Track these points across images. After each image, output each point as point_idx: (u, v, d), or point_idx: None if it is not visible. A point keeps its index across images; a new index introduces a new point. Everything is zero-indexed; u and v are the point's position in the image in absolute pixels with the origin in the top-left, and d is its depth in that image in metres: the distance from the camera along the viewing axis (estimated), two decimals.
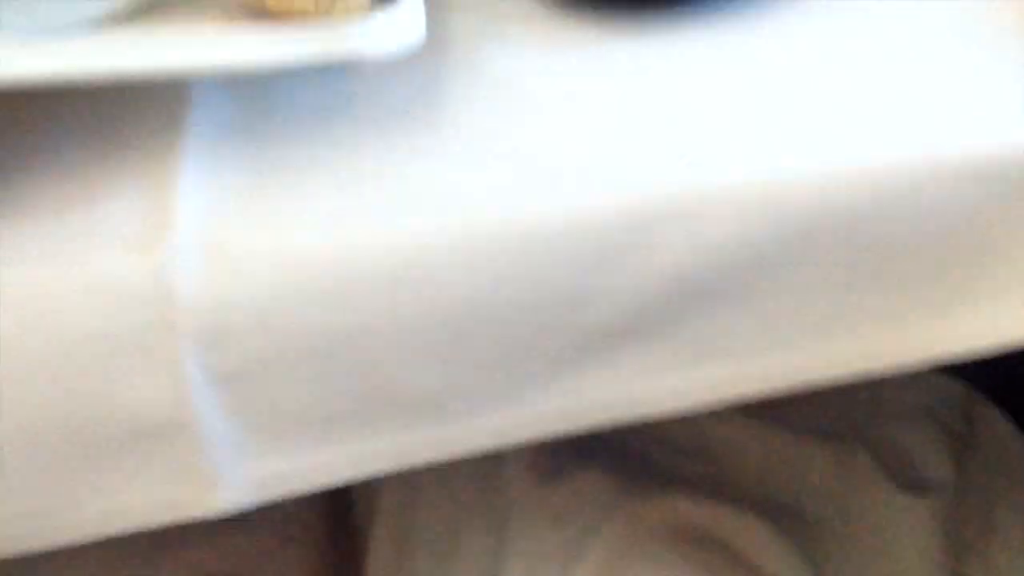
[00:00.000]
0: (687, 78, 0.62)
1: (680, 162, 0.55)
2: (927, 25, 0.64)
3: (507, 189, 0.54)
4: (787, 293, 0.55)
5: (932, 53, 0.62)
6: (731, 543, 0.90)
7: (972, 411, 0.94)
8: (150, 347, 0.51)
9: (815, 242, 0.55)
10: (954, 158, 0.55)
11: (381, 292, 0.52)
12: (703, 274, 0.54)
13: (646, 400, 0.57)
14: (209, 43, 0.56)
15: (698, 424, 0.96)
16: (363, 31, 0.57)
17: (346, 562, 0.94)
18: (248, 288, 0.52)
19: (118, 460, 0.53)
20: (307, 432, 0.54)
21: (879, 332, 0.57)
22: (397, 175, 0.56)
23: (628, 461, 0.92)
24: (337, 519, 0.97)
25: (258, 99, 0.63)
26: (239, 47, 0.56)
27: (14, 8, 0.57)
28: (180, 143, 0.59)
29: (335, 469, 0.56)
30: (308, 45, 0.56)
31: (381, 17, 0.57)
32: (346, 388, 0.54)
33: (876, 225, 0.55)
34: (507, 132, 0.59)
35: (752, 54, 0.64)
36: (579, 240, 0.53)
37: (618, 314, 0.54)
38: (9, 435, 0.52)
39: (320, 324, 0.52)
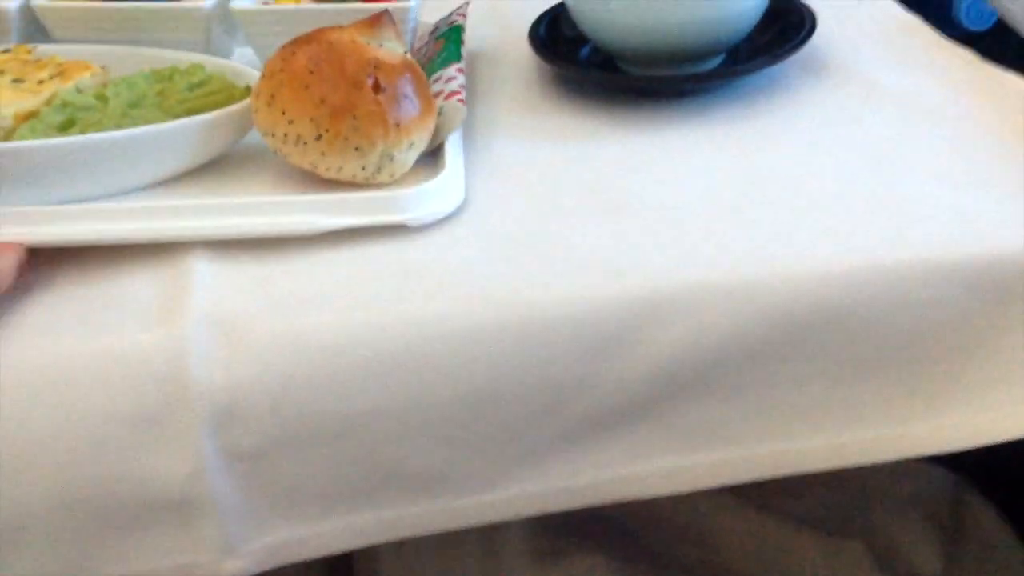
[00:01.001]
0: (685, 171, 0.65)
1: (676, 257, 0.57)
2: (922, 128, 0.67)
3: (508, 278, 0.57)
4: (778, 385, 0.57)
5: (925, 156, 0.64)
6: None
7: (961, 501, 0.95)
8: (166, 425, 0.54)
9: (806, 337, 0.56)
10: (943, 260, 0.56)
11: (388, 377, 0.55)
12: (696, 365, 0.56)
13: (638, 483, 0.59)
14: (262, 208, 0.60)
15: (694, 510, 0.97)
16: (409, 202, 0.61)
17: None
18: (261, 372, 0.54)
19: (135, 531, 0.55)
20: (315, 505, 0.56)
21: (870, 425, 0.59)
22: (406, 262, 0.59)
23: (624, 544, 0.93)
24: None
25: None
26: (293, 214, 0.60)
27: (84, 175, 0.61)
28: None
29: (340, 539, 0.58)
30: (357, 215, 0.60)
31: (427, 187, 0.62)
32: (354, 466, 0.56)
33: (866, 322, 0.56)
34: (511, 222, 0.62)
35: (747, 148, 0.67)
36: (577, 329, 0.55)
37: (613, 400, 0.57)
38: (31, 504, 0.54)
39: (331, 408, 0.54)
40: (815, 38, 0.74)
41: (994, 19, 1.10)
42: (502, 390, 0.56)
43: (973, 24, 1.16)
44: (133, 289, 0.58)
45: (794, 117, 0.70)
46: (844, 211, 0.60)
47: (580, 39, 0.75)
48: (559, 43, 0.76)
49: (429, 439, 0.55)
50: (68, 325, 0.56)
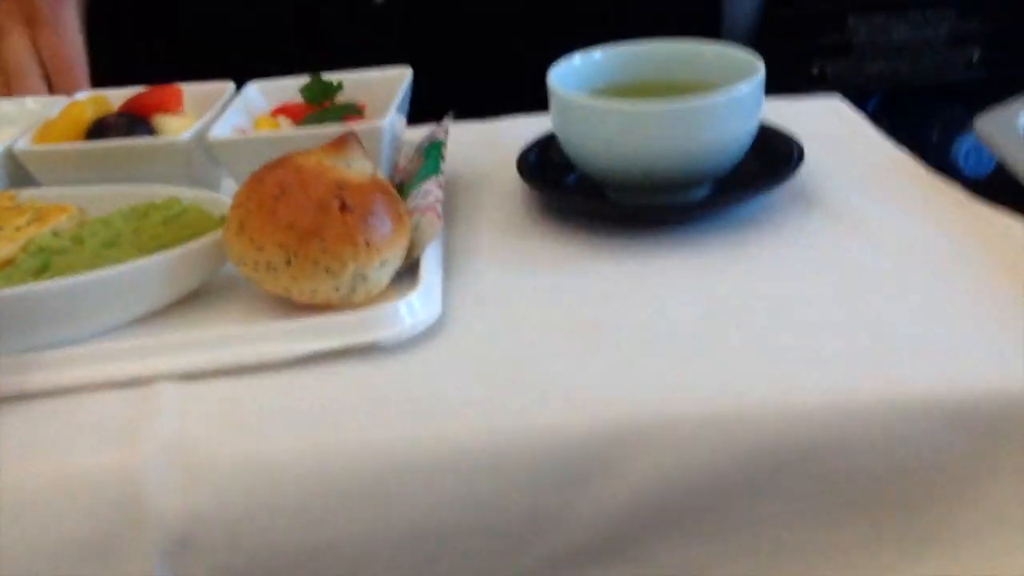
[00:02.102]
0: (667, 300, 0.63)
1: (652, 387, 0.56)
2: (909, 263, 0.65)
3: (481, 405, 0.56)
4: (755, 524, 0.55)
5: (911, 292, 0.62)
6: None
7: None
8: (119, 554, 0.52)
9: (787, 474, 0.54)
10: (928, 397, 0.54)
11: (353, 506, 0.53)
12: (672, 501, 0.54)
13: None
14: (234, 340, 0.60)
15: None
16: (381, 320, 0.60)
17: None
18: (220, 499, 0.53)
19: None
20: None
21: (857, 571, 0.55)
22: (374, 386, 0.58)
23: None
24: None
25: None
26: (263, 343, 0.60)
27: (58, 319, 0.61)
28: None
29: None
30: (329, 339, 0.60)
31: (401, 305, 0.61)
32: None
33: (849, 460, 0.54)
34: (488, 347, 0.60)
35: (731, 278, 0.65)
36: (550, 460, 0.53)
37: (586, 536, 0.54)
38: None
39: (291, 539, 0.52)
40: (803, 170, 0.73)
41: (992, 165, 1.08)
42: (471, 523, 0.54)
43: (972, 170, 1.14)
44: (96, 408, 0.58)
45: (780, 248, 0.68)
46: (828, 344, 0.58)
47: (569, 166, 0.74)
48: (547, 170, 0.75)
49: (394, 573, 0.53)
50: (23, 444, 0.55)
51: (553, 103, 0.72)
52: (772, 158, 0.73)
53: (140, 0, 1.13)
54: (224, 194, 0.71)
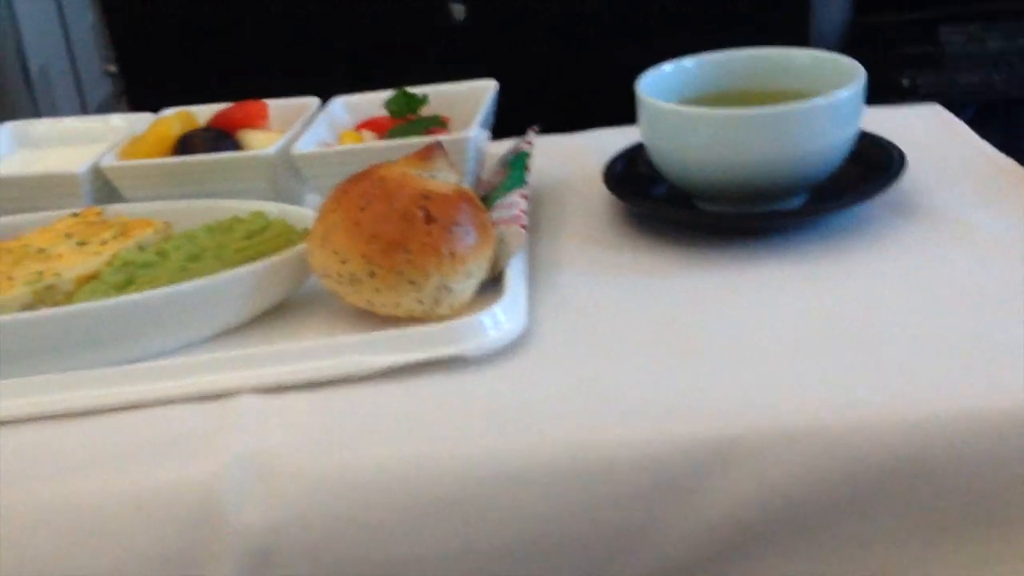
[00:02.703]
0: (760, 311, 0.61)
1: (746, 400, 0.53)
2: (1014, 271, 0.62)
3: (568, 418, 0.54)
4: (855, 541, 0.52)
5: (1016, 301, 0.59)
6: None
7: None
8: (198, 568, 0.51)
9: (887, 490, 0.51)
10: None
11: (436, 521, 0.51)
12: (766, 517, 0.51)
13: None
14: (316, 353, 0.59)
15: None
16: (466, 333, 0.59)
17: None
18: (300, 512, 0.52)
19: None
20: None
21: None
22: (458, 399, 0.56)
23: None
24: None
25: None
26: (346, 356, 0.58)
27: (142, 333, 0.61)
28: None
29: None
30: (412, 351, 0.58)
31: (486, 318, 0.59)
32: None
33: (953, 476, 0.51)
34: (574, 358, 0.59)
35: (827, 288, 0.62)
36: (638, 475, 0.51)
37: (676, 553, 0.52)
38: None
39: (373, 554, 0.51)
40: (904, 178, 0.70)
41: None
42: (558, 538, 0.52)
43: None
44: (178, 421, 0.57)
45: (878, 257, 0.65)
46: (930, 356, 0.55)
47: (655, 177, 0.72)
48: (633, 181, 0.73)
49: None
50: (105, 457, 0.55)
51: (642, 113, 0.70)
52: (871, 166, 0.70)
53: (229, 18, 1.15)
54: (307, 208, 0.70)
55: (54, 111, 2.63)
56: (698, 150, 0.68)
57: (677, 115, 0.68)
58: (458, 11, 1.25)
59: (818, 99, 0.65)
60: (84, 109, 2.85)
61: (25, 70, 2.46)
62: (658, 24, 1.13)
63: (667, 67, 0.73)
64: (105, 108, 2.93)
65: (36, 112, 2.52)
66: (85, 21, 2.89)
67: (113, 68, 1.28)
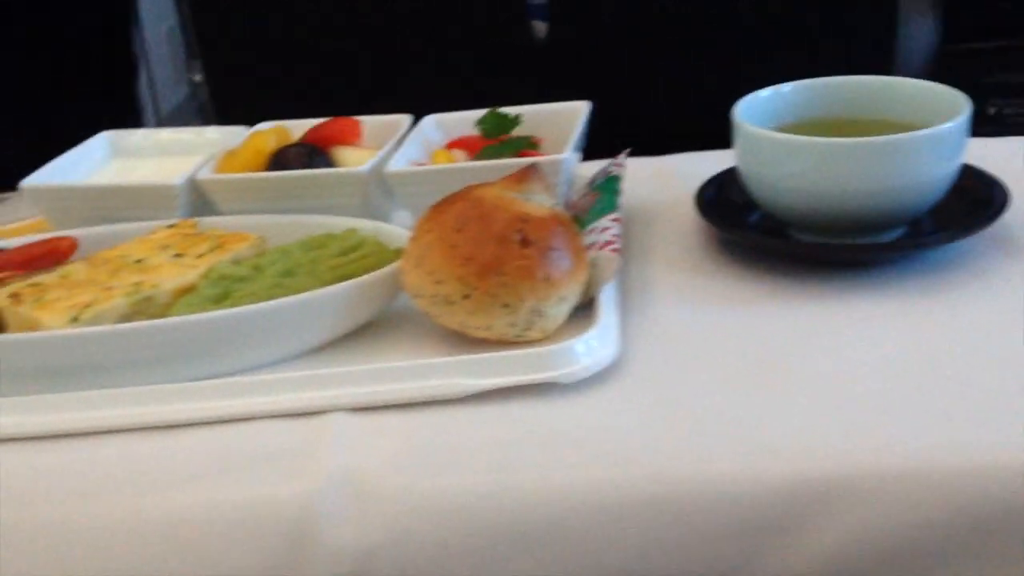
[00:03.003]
0: (859, 346, 0.60)
1: (848, 438, 0.52)
2: None
3: (663, 450, 0.53)
4: None
5: None
6: None
7: None
8: None
9: (998, 536, 0.50)
10: None
11: (528, 549, 0.51)
12: (869, 561, 0.50)
13: None
14: (408, 373, 0.59)
15: None
16: (560, 358, 0.58)
17: None
18: (393, 535, 0.51)
19: None
20: None
21: None
22: (550, 426, 0.56)
23: None
24: None
25: None
26: (438, 378, 0.58)
27: (237, 347, 0.62)
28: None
29: None
30: (505, 375, 0.58)
31: (579, 344, 0.59)
32: None
33: None
34: (668, 388, 0.58)
35: (928, 325, 0.61)
36: (735, 511, 0.51)
37: None
38: None
39: None
40: (1007, 213, 0.68)
41: None
42: (652, 572, 0.51)
43: None
44: (269, 437, 0.57)
45: (981, 294, 0.64)
46: None
47: (748, 204, 0.71)
48: (725, 207, 0.72)
49: None
50: (202, 471, 0.55)
51: (738, 138, 0.69)
52: (972, 199, 0.69)
53: (317, 34, 1.15)
54: (398, 226, 0.70)
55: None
56: (796, 179, 0.67)
57: (775, 142, 0.67)
58: (540, 28, 1.24)
59: (924, 131, 0.64)
60: (157, 114, 2.91)
61: None
62: (741, 47, 1.11)
63: (764, 93, 0.72)
64: (178, 114, 2.99)
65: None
66: (162, 26, 2.96)
67: (198, 78, 1.30)
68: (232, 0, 1.19)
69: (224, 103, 1.24)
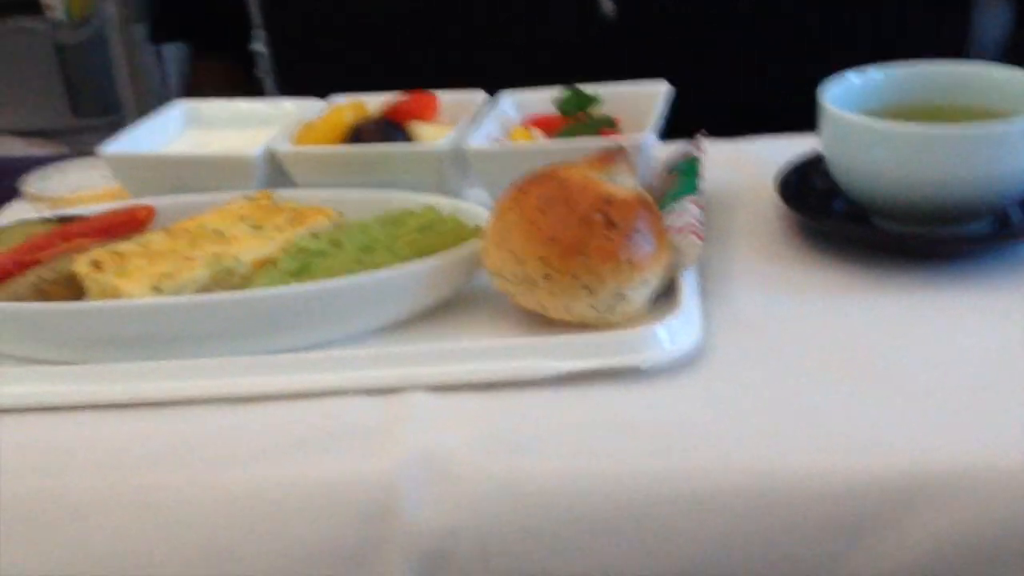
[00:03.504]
0: (949, 339, 0.59)
1: (943, 433, 0.51)
2: None
3: (748, 441, 0.52)
4: None
5: None
6: None
7: None
8: (371, 565, 0.51)
9: None
10: None
11: (610, 536, 0.50)
12: (966, 561, 0.49)
13: None
14: (487, 353, 0.59)
15: None
16: (642, 343, 0.58)
17: None
18: (474, 516, 0.51)
19: None
20: None
21: None
22: (631, 412, 0.55)
23: None
24: None
25: None
26: (518, 359, 0.58)
27: (317, 321, 0.62)
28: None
29: None
30: (587, 358, 0.58)
31: (661, 329, 0.58)
32: None
33: None
34: (751, 377, 0.57)
35: (1014, 319, 0.60)
36: (823, 507, 0.50)
37: None
38: None
39: (545, 564, 0.51)
40: None
41: None
42: (734, 564, 0.50)
43: None
44: (348, 413, 0.57)
45: None
46: None
47: (832, 190, 0.70)
48: (808, 192, 0.71)
49: None
50: (282, 446, 0.55)
51: (825, 123, 0.68)
52: None
53: (383, 7, 1.15)
54: (471, 203, 0.70)
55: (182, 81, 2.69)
56: (884, 166, 0.65)
57: (864, 128, 0.66)
58: (608, 7, 1.23)
59: (1018, 120, 0.62)
60: None
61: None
62: (819, 31, 1.10)
63: (852, 76, 0.71)
64: None
65: (164, 84, 2.59)
66: None
67: (261, 47, 1.29)
68: None
69: (287, 74, 1.24)
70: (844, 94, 0.69)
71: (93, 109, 2.45)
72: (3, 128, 2.42)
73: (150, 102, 2.54)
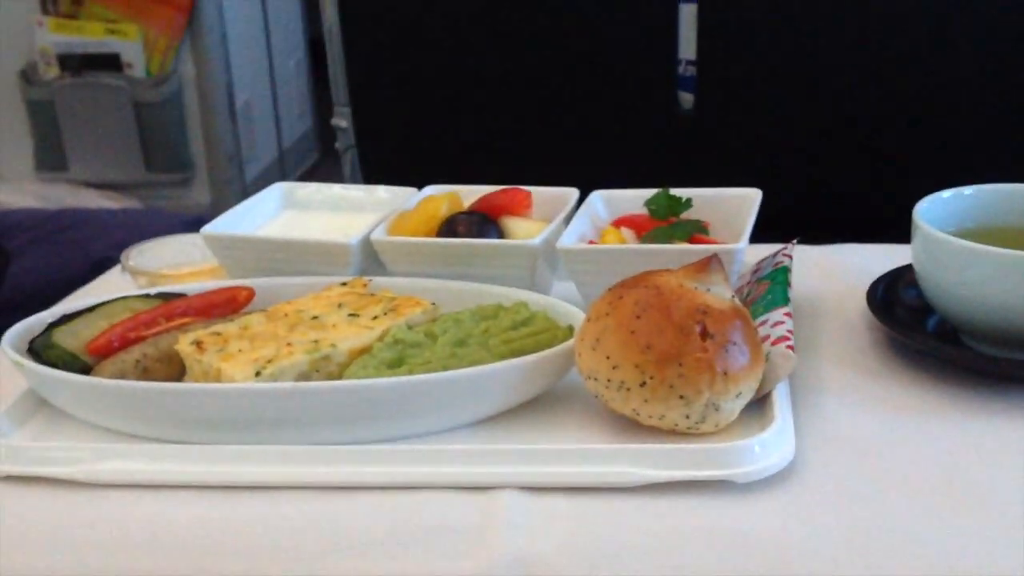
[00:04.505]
0: None
1: None
2: None
3: (850, 565, 0.52)
4: None
5: None
6: None
7: None
8: None
9: None
10: None
11: None
12: None
13: None
14: (581, 456, 0.59)
15: None
16: (738, 456, 0.58)
17: None
18: None
19: None
20: None
21: None
22: (725, 524, 0.55)
23: None
24: None
25: None
26: (612, 464, 0.59)
27: (410, 413, 0.63)
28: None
29: None
30: (681, 468, 0.58)
31: (756, 443, 0.59)
32: None
33: None
34: (846, 496, 0.57)
35: None
36: None
37: None
38: None
39: None
40: None
41: None
42: None
43: None
44: (443, 508, 0.58)
45: None
46: None
47: (923, 306, 0.70)
48: (898, 308, 0.72)
49: None
50: (374, 539, 0.56)
51: (918, 240, 0.69)
52: None
53: (467, 98, 1.18)
54: (566, 302, 0.71)
55: (252, 144, 2.76)
56: (975, 287, 0.66)
57: (956, 249, 0.66)
58: (686, 99, 1.25)
59: None
60: (280, 146, 2.97)
61: (231, 103, 2.59)
62: (883, 139, 1.11)
63: (946, 194, 0.72)
64: (299, 146, 3.05)
65: (236, 144, 2.64)
66: (291, 60, 3.03)
67: (344, 124, 1.33)
68: (387, 55, 1.22)
69: (369, 153, 1.27)
70: (938, 210, 0.69)
71: (165, 165, 2.52)
72: (79, 179, 2.48)
73: (220, 161, 2.60)
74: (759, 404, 0.63)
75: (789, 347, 0.64)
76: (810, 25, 1.13)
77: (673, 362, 0.60)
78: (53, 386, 0.65)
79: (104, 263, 0.91)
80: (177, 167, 2.54)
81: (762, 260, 0.77)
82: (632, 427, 0.62)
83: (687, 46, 1.15)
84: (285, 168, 2.97)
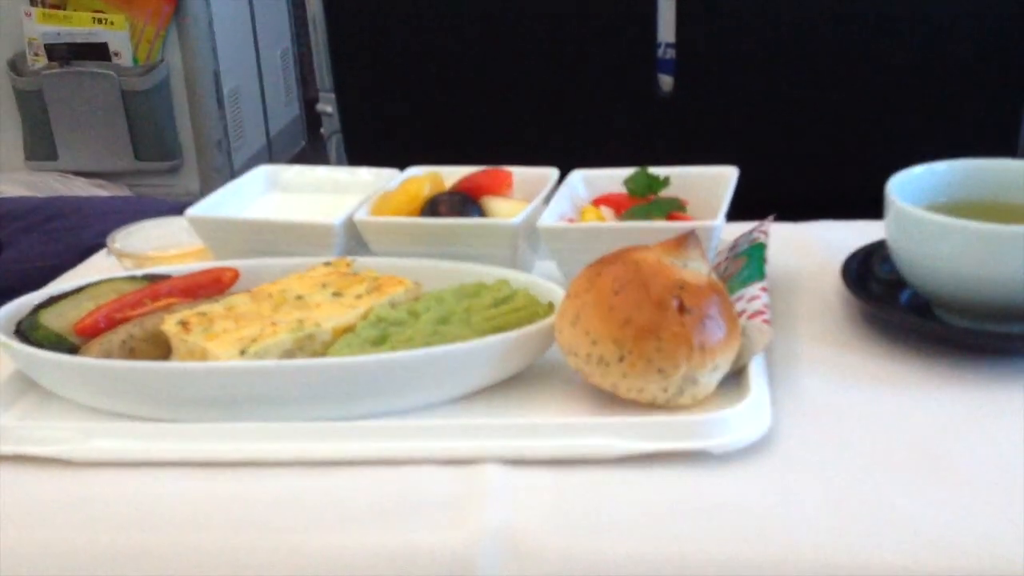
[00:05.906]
0: (1014, 441, 0.59)
1: (1012, 539, 0.52)
2: None
3: (825, 533, 0.53)
4: None
5: None
6: None
7: None
8: None
9: None
10: None
11: None
12: None
13: None
14: (560, 430, 0.61)
15: None
16: (713, 427, 0.59)
17: None
18: None
19: None
20: None
21: None
22: (702, 495, 0.56)
23: None
24: None
25: None
26: (590, 437, 0.60)
27: (393, 390, 0.64)
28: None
29: None
30: (658, 440, 0.59)
31: (732, 412, 0.60)
32: None
33: None
34: (821, 466, 0.58)
35: None
36: None
37: None
38: None
39: None
40: None
41: None
42: None
43: None
44: (424, 483, 0.59)
45: None
46: None
47: (896, 280, 0.72)
48: (872, 282, 0.73)
49: None
50: (359, 514, 0.57)
51: (891, 214, 0.70)
52: None
53: (448, 80, 1.19)
54: (546, 279, 0.72)
55: (240, 132, 2.76)
56: (947, 261, 0.67)
57: (929, 223, 0.67)
58: (666, 82, 1.26)
59: None
60: (267, 134, 2.98)
61: (219, 91, 2.60)
62: (869, 122, 1.12)
63: (917, 170, 0.73)
64: (286, 134, 3.06)
65: (224, 131, 2.65)
66: (277, 48, 3.03)
67: (330, 109, 1.33)
68: (370, 41, 1.22)
69: (354, 138, 1.27)
70: (909, 187, 0.71)
71: (154, 153, 2.52)
72: (68, 169, 2.48)
73: (209, 148, 2.60)
74: (736, 377, 0.64)
75: (765, 321, 0.65)
76: (789, 9, 1.14)
77: (651, 336, 0.61)
78: (40, 367, 0.66)
79: (95, 250, 0.92)
80: (166, 155, 2.54)
81: (739, 237, 0.78)
82: (612, 401, 0.63)
83: (667, 29, 1.16)
84: (273, 154, 2.97)
